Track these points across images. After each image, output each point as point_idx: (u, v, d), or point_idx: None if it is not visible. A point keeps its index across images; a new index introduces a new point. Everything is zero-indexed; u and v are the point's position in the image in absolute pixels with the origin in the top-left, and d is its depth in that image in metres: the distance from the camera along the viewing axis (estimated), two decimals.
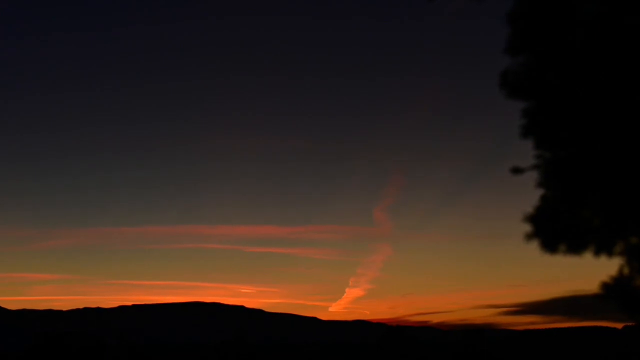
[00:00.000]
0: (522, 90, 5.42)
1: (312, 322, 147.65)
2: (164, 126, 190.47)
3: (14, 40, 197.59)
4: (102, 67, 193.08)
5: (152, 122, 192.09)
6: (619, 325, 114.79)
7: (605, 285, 5.30)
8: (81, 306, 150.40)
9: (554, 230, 5.55)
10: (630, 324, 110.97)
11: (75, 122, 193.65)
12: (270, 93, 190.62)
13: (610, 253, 5.39)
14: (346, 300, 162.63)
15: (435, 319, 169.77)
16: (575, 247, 5.49)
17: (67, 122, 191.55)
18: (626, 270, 5.27)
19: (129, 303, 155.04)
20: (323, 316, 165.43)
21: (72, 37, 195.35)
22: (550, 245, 5.63)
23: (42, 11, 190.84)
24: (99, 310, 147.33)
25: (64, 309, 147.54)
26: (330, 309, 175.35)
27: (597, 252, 5.47)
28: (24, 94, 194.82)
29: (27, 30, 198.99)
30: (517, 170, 5.58)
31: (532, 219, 5.80)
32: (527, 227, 6.39)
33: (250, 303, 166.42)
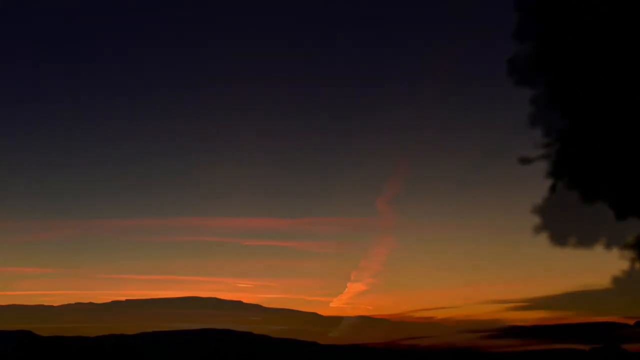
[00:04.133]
0: (529, 77, 5.46)
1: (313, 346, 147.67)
2: (160, 119, 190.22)
3: (22, 53, 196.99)
4: (102, 63, 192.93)
5: (149, 115, 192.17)
6: (631, 322, 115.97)
7: (617, 279, 5.34)
8: (73, 301, 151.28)
9: (563, 222, 5.60)
10: None
11: (70, 117, 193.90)
12: (271, 85, 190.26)
13: (622, 246, 5.40)
14: (348, 295, 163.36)
15: (440, 314, 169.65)
16: (586, 240, 5.52)
17: (62, 116, 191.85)
18: (638, 264, 5.28)
19: (123, 298, 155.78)
20: (324, 312, 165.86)
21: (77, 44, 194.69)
22: (559, 238, 5.67)
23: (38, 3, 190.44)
24: (91, 306, 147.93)
25: (55, 304, 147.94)
26: (332, 304, 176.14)
27: (609, 246, 5.49)
28: (20, 89, 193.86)
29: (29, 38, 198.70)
30: (525, 161, 5.65)
31: (540, 211, 5.84)
32: (536, 220, 6.40)
33: (248, 298, 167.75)
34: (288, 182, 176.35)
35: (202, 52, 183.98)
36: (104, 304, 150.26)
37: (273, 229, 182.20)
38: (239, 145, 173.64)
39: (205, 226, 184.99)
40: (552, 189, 5.59)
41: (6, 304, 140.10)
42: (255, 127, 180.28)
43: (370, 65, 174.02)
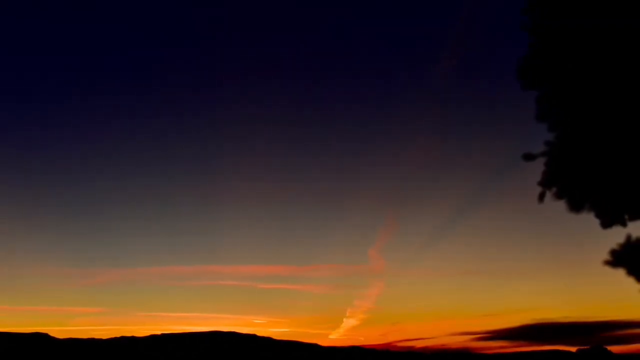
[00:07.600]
0: (539, 78, 5.59)
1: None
2: (187, 180, 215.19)
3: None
4: (138, 115, 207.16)
5: (181, 179, 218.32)
6: (573, 349, 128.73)
7: (613, 252, 5.44)
8: (118, 335, 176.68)
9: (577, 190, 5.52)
10: (585, 347, 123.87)
11: (111, 176, 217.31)
12: (284, 142, 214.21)
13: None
14: (344, 328, 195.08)
15: (419, 344, 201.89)
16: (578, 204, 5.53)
17: (108, 176, 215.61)
18: (635, 236, 5.39)
19: (159, 332, 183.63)
20: (324, 342, 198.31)
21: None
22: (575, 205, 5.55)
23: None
24: (133, 339, 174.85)
25: (104, 337, 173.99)
26: (330, 336, 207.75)
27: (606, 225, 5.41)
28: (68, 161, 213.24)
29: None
30: (528, 157, 5.76)
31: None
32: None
33: (261, 332, 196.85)
34: (294, 235, 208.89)
35: (210, 110, 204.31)
36: (143, 337, 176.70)
37: (282, 274, 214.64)
38: (249, 203, 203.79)
39: (225, 272, 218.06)
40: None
41: (64, 337, 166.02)
42: (261, 193, 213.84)
43: (361, 134, 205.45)
